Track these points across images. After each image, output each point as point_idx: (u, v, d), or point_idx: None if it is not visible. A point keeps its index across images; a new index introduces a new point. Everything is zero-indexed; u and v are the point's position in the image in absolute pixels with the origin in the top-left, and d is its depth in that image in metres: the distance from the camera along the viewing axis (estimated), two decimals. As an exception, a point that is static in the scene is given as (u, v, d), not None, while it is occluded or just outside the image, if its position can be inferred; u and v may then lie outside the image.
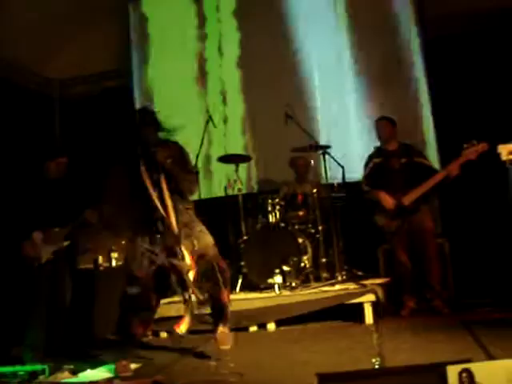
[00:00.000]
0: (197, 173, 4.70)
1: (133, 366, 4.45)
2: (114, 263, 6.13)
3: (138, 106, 7.95)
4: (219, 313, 4.65)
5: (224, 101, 7.60)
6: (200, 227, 4.67)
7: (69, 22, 7.58)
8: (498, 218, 5.20)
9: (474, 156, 5.32)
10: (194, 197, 6.73)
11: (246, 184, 6.81)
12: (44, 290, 5.11)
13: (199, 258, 4.51)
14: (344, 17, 7.42)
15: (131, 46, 8.19)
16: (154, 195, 4.36)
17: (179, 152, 4.66)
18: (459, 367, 2.53)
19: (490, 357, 3.69)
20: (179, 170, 4.51)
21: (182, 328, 4.40)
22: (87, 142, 7.70)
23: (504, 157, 4.58)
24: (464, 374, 2.53)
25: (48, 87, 8.33)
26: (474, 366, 2.54)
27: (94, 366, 4.56)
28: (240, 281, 6.17)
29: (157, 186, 4.41)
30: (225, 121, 7.26)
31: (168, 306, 5.74)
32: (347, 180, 6.31)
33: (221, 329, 4.61)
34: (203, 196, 6.79)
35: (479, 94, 6.81)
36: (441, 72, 7.06)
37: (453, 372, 2.52)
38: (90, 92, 8.33)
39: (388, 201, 5.67)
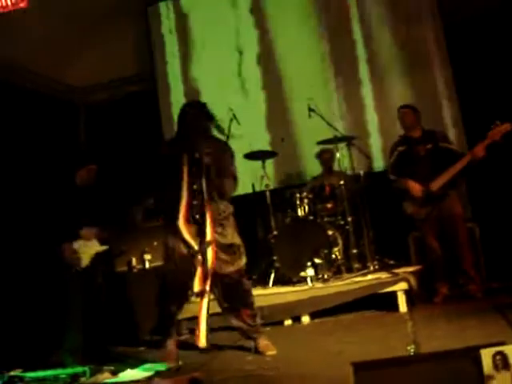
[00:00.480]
0: (235, 178, 4.62)
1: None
2: (147, 265, 6.21)
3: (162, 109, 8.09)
4: (249, 331, 4.67)
5: (246, 97, 7.64)
6: (234, 232, 4.65)
7: (88, 28, 7.68)
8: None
9: (498, 137, 5.30)
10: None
11: (274, 179, 6.81)
12: (81, 294, 5.19)
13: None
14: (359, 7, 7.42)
15: (153, 49, 8.26)
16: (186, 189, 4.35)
17: (223, 151, 4.62)
18: (493, 350, 2.54)
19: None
20: (216, 169, 4.46)
21: (203, 341, 4.31)
22: (113, 147, 7.80)
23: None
24: (498, 357, 2.54)
25: (72, 94, 8.43)
26: (507, 349, 2.55)
27: (133, 366, 4.64)
28: (272, 275, 6.22)
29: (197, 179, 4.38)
30: (248, 117, 7.26)
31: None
32: (375, 170, 6.33)
33: (259, 341, 4.62)
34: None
35: (501, 75, 6.76)
36: (462, 55, 7.02)
37: (486, 355, 2.54)
38: (112, 97, 8.42)
39: (416, 188, 5.67)
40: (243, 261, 4.65)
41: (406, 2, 7.32)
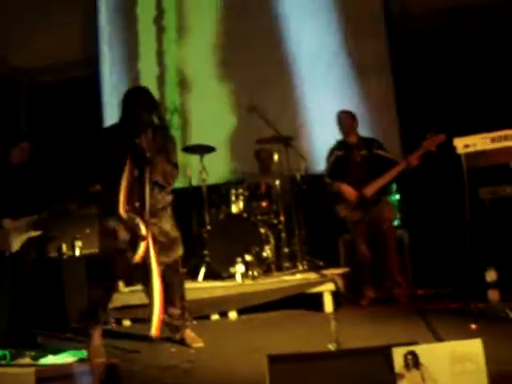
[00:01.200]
0: (176, 165, 4.56)
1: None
2: (77, 252, 6.13)
3: (104, 96, 8.00)
4: (177, 323, 4.66)
5: (189, 92, 7.63)
6: (171, 224, 4.62)
7: (34, 10, 7.57)
8: (455, 209, 5.30)
9: (433, 147, 5.43)
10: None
11: (211, 175, 6.80)
12: (10, 279, 5.10)
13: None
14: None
15: (99, 34, 8.17)
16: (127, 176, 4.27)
17: (165, 138, 4.57)
18: (404, 349, 2.62)
19: (440, 341, 3.80)
20: (159, 159, 4.40)
21: (154, 331, 4.23)
22: (53, 130, 7.69)
23: (459, 150, 4.72)
24: (409, 356, 2.61)
25: (15, 75, 8.26)
26: (418, 348, 2.63)
27: (56, 353, 4.57)
28: (203, 270, 6.23)
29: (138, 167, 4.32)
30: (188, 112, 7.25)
31: (130, 294, 5.81)
32: (310, 172, 6.41)
33: (187, 334, 4.63)
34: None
35: (441, 89, 6.94)
36: (406, 68, 7.17)
37: (398, 354, 2.61)
38: (56, 80, 8.28)
39: (350, 192, 5.77)
40: (178, 252, 4.63)
41: (353, 11, 7.41)
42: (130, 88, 4.79)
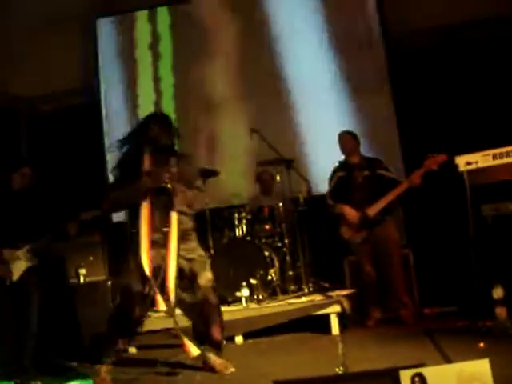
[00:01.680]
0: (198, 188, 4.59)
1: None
2: (81, 279, 6.13)
3: (105, 123, 8.03)
4: (211, 346, 4.56)
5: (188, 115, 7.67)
6: (201, 252, 4.62)
7: (33, 40, 7.62)
8: (458, 227, 5.28)
9: (435, 166, 5.41)
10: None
11: (214, 198, 6.80)
12: (13, 307, 5.07)
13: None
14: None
15: (99, 63, 8.21)
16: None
17: (188, 165, 4.59)
18: (412, 372, 2.60)
19: (449, 362, 3.77)
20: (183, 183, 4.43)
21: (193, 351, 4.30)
22: (54, 158, 7.71)
23: (461, 167, 4.71)
24: (416, 378, 2.59)
25: (15, 104, 8.30)
26: (426, 371, 2.61)
27: (61, 382, 4.55)
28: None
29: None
30: (191, 136, 7.25)
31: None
32: (313, 193, 6.40)
33: (216, 360, 4.52)
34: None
35: (441, 106, 6.95)
36: (405, 86, 7.19)
37: (405, 376, 2.59)
38: (56, 109, 8.31)
39: (352, 214, 5.75)
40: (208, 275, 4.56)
41: (352, 29, 7.45)
42: (148, 114, 4.75)
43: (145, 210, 4.31)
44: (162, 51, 8.02)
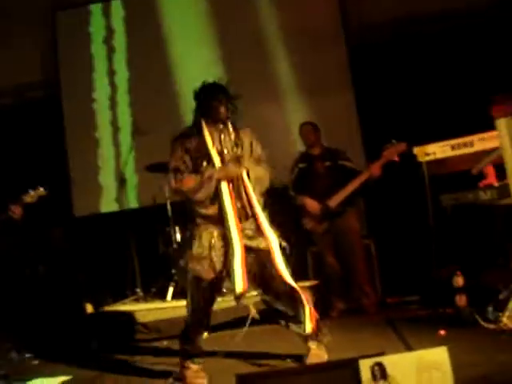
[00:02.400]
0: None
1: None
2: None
3: (66, 117, 7.92)
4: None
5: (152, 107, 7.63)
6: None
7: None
8: (419, 217, 5.34)
9: (395, 156, 5.46)
10: (121, 207, 6.82)
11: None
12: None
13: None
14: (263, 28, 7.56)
15: (59, 56, 8.10)
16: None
17: (248, 141, 4.24)
18: (371, 361, 2.62)
19: (410, 350, 3.82)
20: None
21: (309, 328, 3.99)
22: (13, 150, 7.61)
23: (420, 158, 4.77)
24: (376, 368, 2.61)
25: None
26: (385, 359, 2.63)
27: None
28: (171, 289, 6.17)
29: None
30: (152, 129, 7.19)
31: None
32: (274, 184, 6.38)
33: (312, 347, 4.12)
34: (132, 205, 6.78)
35: (400, 99, 7.02)
36: (365, 79, 7.24)
37: (365, 366, 2.61)
38: (16, 102, 8.18)
39: (313, 205, 5.78)
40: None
41: (312, 25, 7.46)
42: (204, 84, 4.23)
43: (226, 191, 4.00)
44: (117, 45, 7.94)
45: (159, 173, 6.62)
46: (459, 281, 4.91)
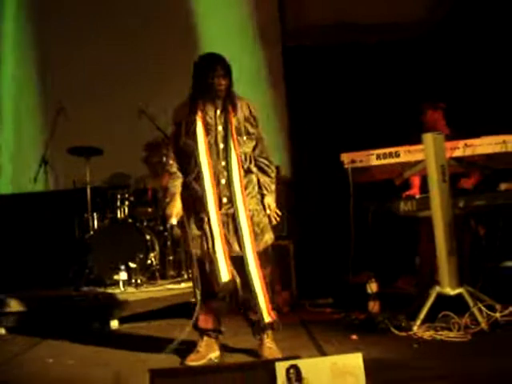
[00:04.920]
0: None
1: None
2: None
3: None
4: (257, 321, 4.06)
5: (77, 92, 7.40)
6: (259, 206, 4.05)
7: None
8: (340, 221, 5.39)
9: None
10: (39, 188, 6.62)
11: (97, 178, 6.61)
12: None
13: None
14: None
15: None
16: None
17: (248, 113, 4.05)
18: (287, 363, 2.61)
19: (323, 354, 3.86)
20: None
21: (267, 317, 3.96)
22: None
23: (346, 164, 4.82)
24: (291, 370, 2.61)
25: None
26: (301, 363, 2.63)
27: None
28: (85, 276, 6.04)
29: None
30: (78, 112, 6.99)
31: (7, 301, 5.60)
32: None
33: (266, 341, 4.05)
34: (51, 188, 6.60)
35: (331, 103, 7.08)
36: (296, 80, 7.27)
37: (281, 368, 2.60)
38: None
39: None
40: (267, 239, 4.06)
41: (250, 23, 7.43)
42: (201, 55, 4.09)
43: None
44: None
45: (80, 156, 6.50)
46: (373, 287, 5.01)
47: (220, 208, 3.90)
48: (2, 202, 7.24)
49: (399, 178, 4.98)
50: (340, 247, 5.42)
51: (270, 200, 4.09)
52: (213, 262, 3.88)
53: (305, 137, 6.91)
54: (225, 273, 3.85)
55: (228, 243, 3.89)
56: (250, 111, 4.07)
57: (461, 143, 4.61)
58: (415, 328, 4.40)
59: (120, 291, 5.68)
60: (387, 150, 4.74)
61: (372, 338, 4.42)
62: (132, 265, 5.85)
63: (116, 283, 5.78)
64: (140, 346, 4.63)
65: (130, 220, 6.17)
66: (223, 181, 3.92)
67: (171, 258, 6.17)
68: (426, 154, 4.54)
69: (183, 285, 5.78)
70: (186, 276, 6.02)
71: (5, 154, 7.51)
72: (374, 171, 4.88)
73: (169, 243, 6.18)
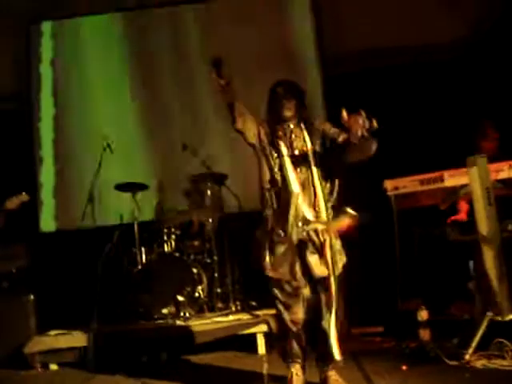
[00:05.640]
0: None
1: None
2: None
3: (37, 130, 7.82)
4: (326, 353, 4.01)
5: (121, 126, 7.53)
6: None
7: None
8: (387, 248, 5.31)
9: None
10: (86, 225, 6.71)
11: (144, 212, 6.68)
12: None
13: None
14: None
15: (31, 69, 8.00)
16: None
17: (319, 133, 4.10)
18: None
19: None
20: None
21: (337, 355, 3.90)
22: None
23: (389, 191, 4.77)
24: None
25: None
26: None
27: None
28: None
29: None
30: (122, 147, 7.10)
31: (57, 337, 5.67)
32: (244, 210, 6.36)
33: (331, 374, 4.07)
34: (99, 223, 6.68)
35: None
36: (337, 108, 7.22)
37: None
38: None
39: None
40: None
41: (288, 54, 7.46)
42: (276, 81, 4.18)
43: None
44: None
45: (127, 192, 6.59)
46: (423, 314, 4.90)
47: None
48: (49, 239, 7.38)
49: (444, 203, 4.90)
50: (388, 274, 5.36)
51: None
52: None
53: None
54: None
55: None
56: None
57: (505, 165, 4.53)
58: (467, 356, 4.31)
59: (168, 325, 5.69)
60: (431, 175, 4.69)
61: (423, 367, 4.35)
62: (180, 298, 5.86)
63: (164, 317, 5.81)
64: (185, 379, 4.65)
65: (176, 254, 6.20)
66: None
67: (219, 290, 6.16)
68: (470, 178, 4.46)
69: (231, 317, 5.76)
70: (233, 308, 6.00)
71: (47, 191, 7.65)
72: (418, 197, 4.82)
73: (216, 275, 6.18)
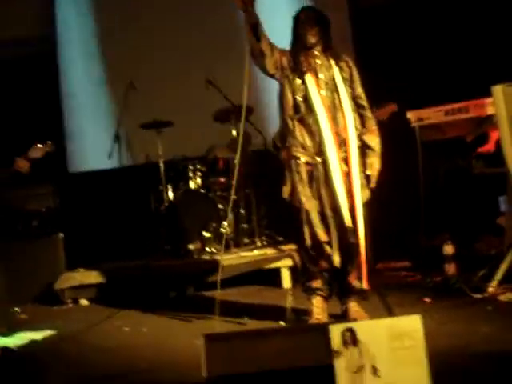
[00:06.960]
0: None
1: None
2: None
3: (63, 71, 7.82)
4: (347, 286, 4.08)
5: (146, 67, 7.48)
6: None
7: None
8: (410, 181, 5.23)
9: (385, 117, 5.31)
10: (114, 164, 6.75)
11: (169, 150, 6.67)
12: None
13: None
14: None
15: (55, 10, 7.95)
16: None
17: (348, 72, 4.05)
18: (342, 326, 2.57)
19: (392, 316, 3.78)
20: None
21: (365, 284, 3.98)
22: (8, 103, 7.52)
23: (413, 123, 4.67)
24: (347, 333, 2.56)
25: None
26: (356, 325, 2.58)
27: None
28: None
29: None
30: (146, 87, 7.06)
31: (87, 273, 5.77)
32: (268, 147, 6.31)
33: (352, 305, 4.09)
34: (125, 163, 6.72)
35: (396, 61, 6.86)
36: (365, 40, 7.10)
37: (336, 331, 2.56)
38: (12, 56, 8.04)
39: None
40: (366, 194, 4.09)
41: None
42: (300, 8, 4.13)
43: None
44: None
45: (151, 130, 6.58)
46: (449, 249, 4.85)
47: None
48: (78, 179, 7.47)
49: (471, 134, 4.79)
50: (413, 209, 5.29)
51: (374, 160, 4.07)
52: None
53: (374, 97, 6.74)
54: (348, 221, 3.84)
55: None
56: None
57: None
58: (491, 289, 4.27)
59: (194, 259, 5.77)
60: (456, 106, 4.56)
61: (446, 300, 4.33)
62: (206, 234, 5.91)
63: (190, 252, 5.86)
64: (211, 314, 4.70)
65: (202, 190, 6.21)
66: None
67: (245, 226, 6.18)
68: (496, 107, 4.33)
69: (256, 252, 5.80)
70: (259, 244, 6.04)
71: (73, 132, 7.69)
72: (443, 128, 4.71)
73: (242, 212, 6.19)
